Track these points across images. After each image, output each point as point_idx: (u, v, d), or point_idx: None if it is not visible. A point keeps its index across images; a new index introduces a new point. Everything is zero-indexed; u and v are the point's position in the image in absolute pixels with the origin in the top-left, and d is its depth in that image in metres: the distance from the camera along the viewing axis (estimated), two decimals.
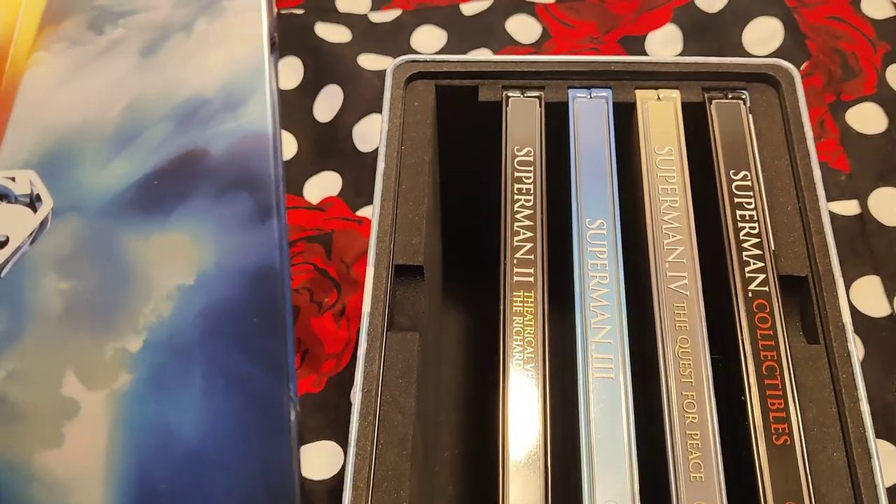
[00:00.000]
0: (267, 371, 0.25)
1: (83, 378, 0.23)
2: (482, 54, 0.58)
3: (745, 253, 0.31)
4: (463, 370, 0.43)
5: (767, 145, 0.34)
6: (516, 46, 0.59)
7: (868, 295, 0.48)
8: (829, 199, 0.51)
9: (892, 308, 0.48)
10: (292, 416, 0.26)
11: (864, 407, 0.28)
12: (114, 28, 0.26)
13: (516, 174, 0.33)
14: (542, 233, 0.32)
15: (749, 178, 0.33)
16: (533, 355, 0.30)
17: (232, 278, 0.26)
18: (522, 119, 0.35)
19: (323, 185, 0.51)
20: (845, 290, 0.30)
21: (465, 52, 0.59)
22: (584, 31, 0.59)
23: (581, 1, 0.60)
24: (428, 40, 0.59)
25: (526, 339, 0.30)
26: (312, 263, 0.48)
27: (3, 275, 0.23)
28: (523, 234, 0.32)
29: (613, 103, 0.35)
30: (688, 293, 0.31)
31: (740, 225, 0.32)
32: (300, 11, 0.60)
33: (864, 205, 0.50)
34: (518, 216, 0.32)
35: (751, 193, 0.33)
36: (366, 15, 0.61)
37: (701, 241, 0.32)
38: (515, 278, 0.31)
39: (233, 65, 0.28)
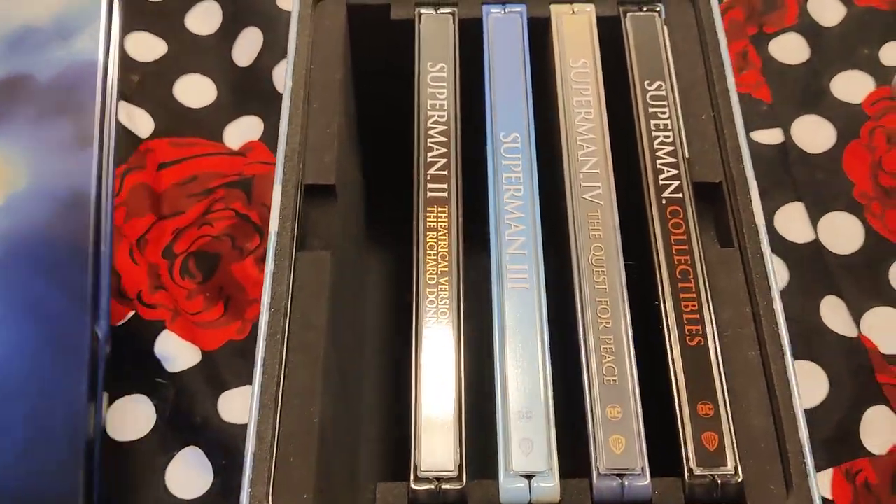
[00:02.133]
0: (70, 302, 0.25)
1: None
2: None
3: (659, 161, 0.31)
4: (387, 292, 0.42)
5: (682, 56, 0.34)
6: None
7: (792, 221, 0.48)
8: (752, 128, 0.51)
9: (816, 233, 0.48)
10: (97, 352, 0.24)
11: (778, 306, 0.28)
12: None
13: (430, 90, 0.33)
14: (457, 148, 0.31)
15: (664, 88, 0.33)
16: (447, 268, 0.29)
17: (42, 203, 0.25)
18: (436, 36, 0.34)
19: (243, 130, 0.50)
20: (759, 198, 0.30)
21: None
22: None
23: None
24: None
25: (440, 254, 0.29)
26: (233, 209, 0.47)
27: None
28: (437, 149, 0.31)
29: (528, 18, 0.34)
30: (601, 202, 0.30)
31: (654, 134, 0.32)
32: None
33: (787, 133, 0.51)
34: (431, 132, 0.32)
35: (665, 103, 0.32)
36: None
37: (617, 152, 0.32)
38: (429, 194, 0.30)
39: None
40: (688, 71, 0.33)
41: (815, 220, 0.49)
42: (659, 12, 0.35)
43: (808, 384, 0.44)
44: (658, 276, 0.29)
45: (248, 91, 0.51)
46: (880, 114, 0.51)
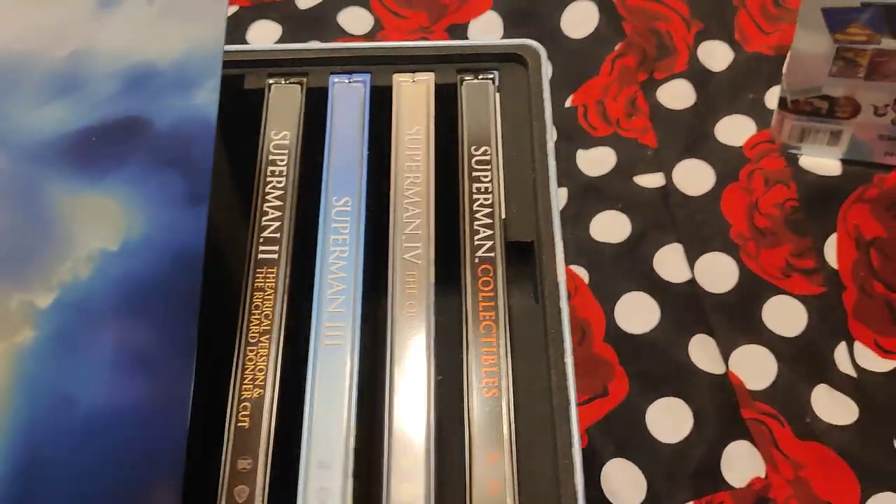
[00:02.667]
0: (175, 356, 0.25)
1: None
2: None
3: (476, 223, 0.34)
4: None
5: (512, 121, 0.36)
6: (348, 38, 0.60)
7: (670, 262, 0.51)
8: (636, 173, 0.54)
9: (692, 273, 0.50)
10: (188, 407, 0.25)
11: (569, 360, 0.31)
12: None
13: (271, 157, 0.35)
14: (291, 212, 0.34)
15: (489, 152, 0.35)
16: (269, 328, 0.31)
17: (156, 254, 0.25)
18: (283, 105, 0.36)
19: None
20: (564, 255, 0.33)
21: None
22: (416, 22, 0.61)
23: None
24: (264, 34, 0.61)
25: (264, 313, 0.32)
26: None
27: None
28: (272, 213, 0.34)
29: (372, 87, 0.37)
30: (419, 262, 0.33)
31: (475, 196, 0.34)
32: None
33: (668, 177, 0.53)
34: (269, 197, 0.34)
35: (488, 167, 0.35)
36: None
37: (442, 214, 0.34)
38: (260, 256, 0.33)
39: (191, 44, 0.26)
40: (516, 135, 0.36)
41: (692, 261, 0.51)
42: (493, 79, 0.37)
43: (674, 420, 0.46)
44: (465, 331, 0.31)
45: None
46: (760, 156, 0.54)
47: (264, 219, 0.34)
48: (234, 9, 0.62)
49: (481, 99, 0.37)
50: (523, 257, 0.34)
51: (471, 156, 0.35)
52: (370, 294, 0.32)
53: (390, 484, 0.29)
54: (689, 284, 0.50)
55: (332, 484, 0.29)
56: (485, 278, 0.32)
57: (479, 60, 0.38)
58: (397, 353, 0.31)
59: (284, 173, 0.35)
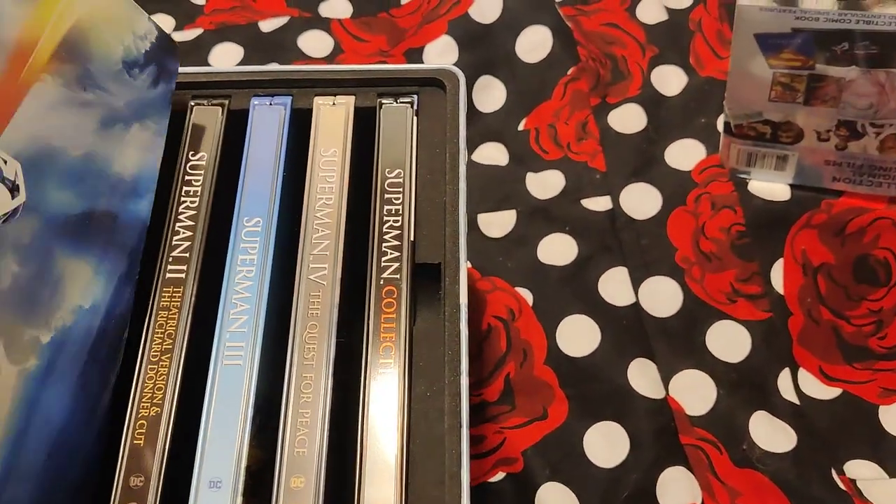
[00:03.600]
0: (108, 392, 0.32)
1: (8, 351, 0.27)
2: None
3: (385, 245, 0.34)
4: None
5: (427, 144, 0.37)
6: (307, 61, 0.61)
7: (614, 285, 0.51)
8: (584, 196, 0.54)
9: (636, 297, 0.50)
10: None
11: (463, 381, 0.31)
12: (88, 92, 0.32)
13: (186, 178, 0.36)
14: (203, 232, 0.34)
15: (402, 175, 0.35)
16: (171, 346, 0.32)
17: (105, 315, 0.32)
18: (203, 126, 0.37)
19: None
20: (467, 277, 0.33)
21: None
22: (375, 45, 0.62)
23: (373, 16, 0.63)
24: (226, 57, 0.62)
25: (167, 332, 0.32)
26: None
27: None
28: (183, 233, 0.34)
29: (293, 109, 0.37)
30: (325, 282, 0.33)
31: (385, 219, 0.34)
32: None
33: (615, 200, 0.53)
34: (181, 217, 0.35)
35: (400, 190, 0.35)
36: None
37: (353, 236, 0.34)
38: (167, 275, 0.33)
39: (142, 165, 0.34)
40: (430, 159, 0.36)
41: (636, 284, 0.51)
42: (411, 103, 0.37)
43: (611, 444, 0.46)
44: (365, 351, 0.32)
45: None
46: (708, 181, 0.54)
47: (175, 238, 0.34)
48: (197, 31, 0.62)
49: (399, 122, 0.37)
50: (432, 279, 0.34)
51: (384, 178, 0.35)
52: (275, 314, 0.33)
53: (279, 502, 0.29)
54: (633, 308, 0.50)
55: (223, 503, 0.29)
56: (388, 300, 0.33)
57: (400, 84, 0.38)
58: (296, 374, 0.31)
59: (198, 193, 0.35)
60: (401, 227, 0.34)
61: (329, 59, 0.61)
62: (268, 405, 0.31)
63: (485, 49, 0.59)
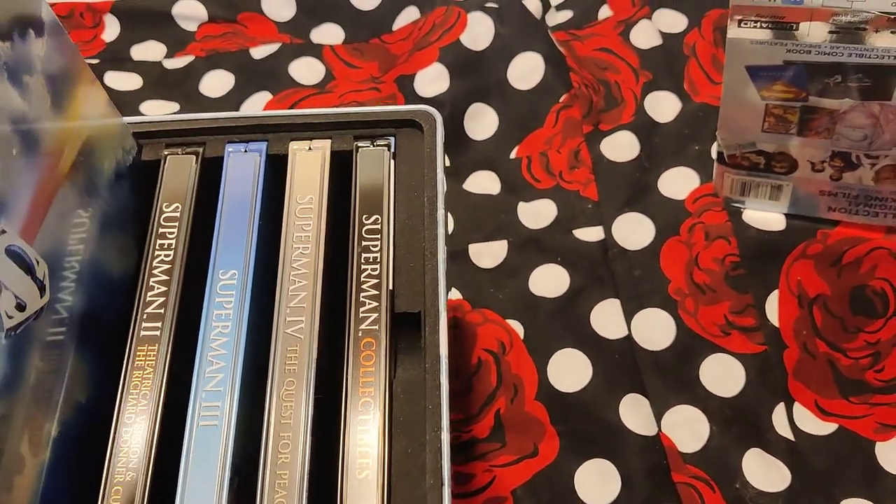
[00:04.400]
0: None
1: (31, 444, 0.29)
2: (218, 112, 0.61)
3: (363, 294, 0.33)
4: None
5: (406, 188, 0.36)
6: (298, 89, 0.61)
7: (607, 317, 0.50)
8: (575, 226, 0.53)
9: (629, 329, 0.49)
10: None
11: (445, 437, 0.30)
12: (92, 199, 0.34)
13: (160, 230, 0.35)
14: (177, 287, 0.34)
15: (380, 221, 0.35)
16: (146, 408, 0.31)
17: (94, 413, 0.33)
18: (177, 176, 0.36)
19: None
20: (447, 326, 0.32)
21: (248, 96, 0.60)
22: (367, 72, 0.61)
23: (366, 42, 0.62)
24: (217, 85, 0.61)
25: (142, 393, 0.31)
26: None
27: (15, 333, 0.28)
28: (157, 288, 0.34)
29: (269, 155, 0.37)
30: (302, 336, 0.32)
31: (363, 267, 0.34)
32: (95, 61, 0.62)
33: (608, 230, 0.52)
34: (155, 272, 0.34)
35: (378, 236, 0.34)
36: (160, 62, 0.63)
37: (332, 286, 0.34)
38: (142, 333, 0.33)
39: (127, 267, 0.36)
40: (409, 202, 0.36)
41: (629, 317, 0.50)
42: (388, 146, 0.37)
43: (603, 482, 0.45)
44: (344, 407, 0.31)
45: None
46: (701, 210, 0.53)
47: (149, 294, 0.33)
48: (188, 59, 0.62)
49: (376, 165, 0.36)
50: (412, 328, 0.33)
51: (361, 224, 0.35)
52: (251, 370, 0.32)
53: None
54: (626, 341, 0.49)
55: None
56: (367, 352, 0.32)
57: (376, 126, 0.37)
58: (273, 433, 0.30)
59: (172, 246, 0.35)
60: (379, 276, 0.33)
61: (320, 87, 0.60)
62: (246, 465, 0.30)
63: (476, 76, 0.58)
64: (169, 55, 0.63)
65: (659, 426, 0.46)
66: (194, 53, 0.63)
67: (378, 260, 0.34)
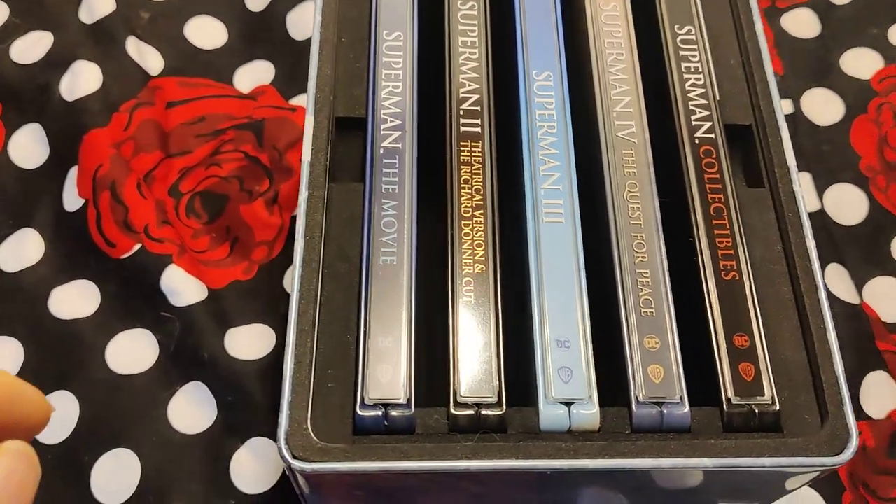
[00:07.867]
0: None
1: None
2: None
3: (691, 103, 0.31)
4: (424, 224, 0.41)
5: (711, 4, 0.34)
6: None
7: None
8: None
9: (822, 204, 0.48)
10: None
11: (811, 243, 0.28)
12: None
13: (461, 27, 0.32)
14: (489, 83, 0.31)
15: (693, 32, 0.33)
16: (482, 202, 0.29)
17: None
18: None
19: (255, 74, 0.49)
20: (790, 139, 0.30)
21: None
22: None
23: None
24: None
25: (474, 188, 0.29)
26: (242, 152, 0.46)
27: None
28: (469, 85, 0.31)
29: None
30: (635, 140, 0.30)
31: (685, 76, 0.32)
32: None
33: (797, 105, 0.51)
34: (464, 68, 0.31)
35: (695, 47, 0.32)
36: None
37: (648, 94, 0.32)
38: (462, 129, 0.30)
39: None
40: (716, 18, 0.34)
41: (821, 191, 0.49)
42: None
43: None
44: (692, 213, 0.29)
45: (260, 36, 0.51)
46: (888, 90, 0.52)
47: (462, 91, 0.31)
48: None
49: None
50: (738, 142, 0.31)
51: (675, 34, 0.33)
52: (584, 171, 0.30)
53: (634, 363, 0.26)
54: (819, 214, 0.48)
55: (574, 364, 0.26)
56: (707, 160, 0.30)
57: None
58: (622, 235, 0.28)
59: (476, 44, 0.32)
60: (704, 86, 0.31)
61: None
62: (598, 266, 0.28)
63: None
64: None
65: (860, 296, 0.46)
66: None
67: (700, 70, 0.32)
